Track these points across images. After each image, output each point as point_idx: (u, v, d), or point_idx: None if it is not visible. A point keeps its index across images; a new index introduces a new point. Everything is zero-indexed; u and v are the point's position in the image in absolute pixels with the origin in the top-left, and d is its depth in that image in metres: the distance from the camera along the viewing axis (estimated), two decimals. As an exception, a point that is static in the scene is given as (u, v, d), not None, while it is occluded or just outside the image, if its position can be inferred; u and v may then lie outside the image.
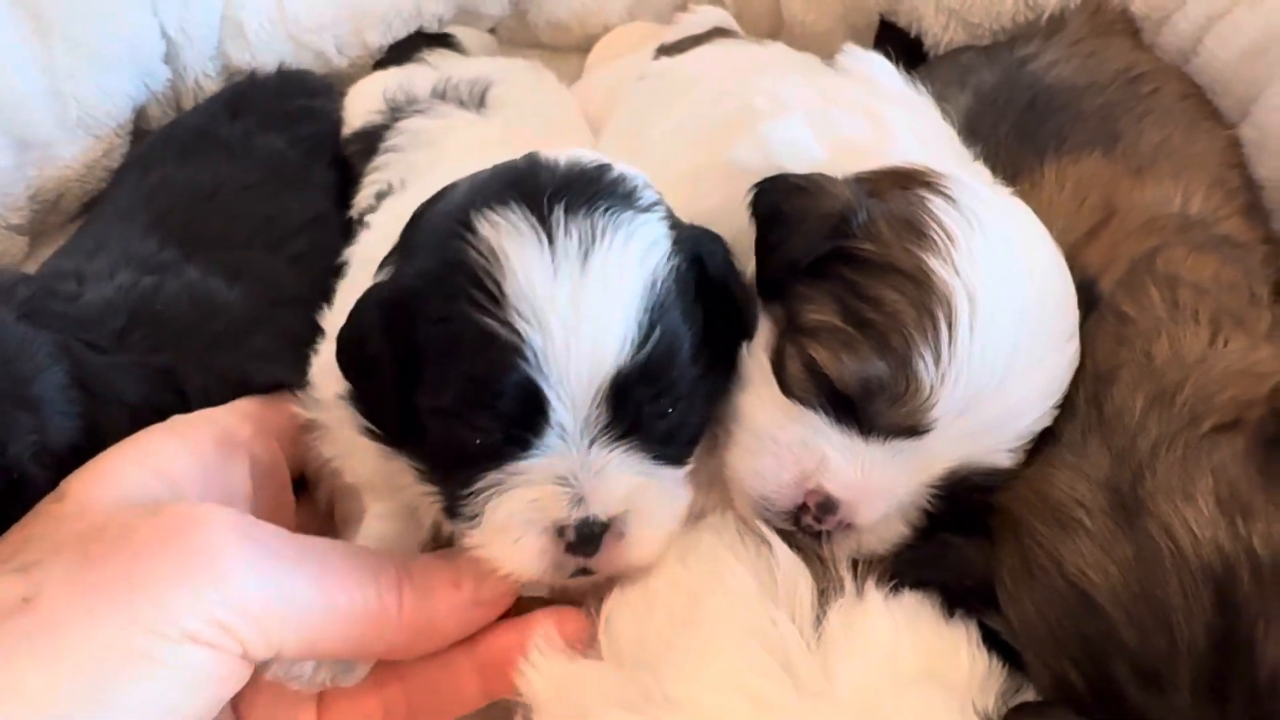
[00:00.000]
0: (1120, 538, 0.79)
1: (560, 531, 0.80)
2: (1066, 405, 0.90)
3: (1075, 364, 0.92)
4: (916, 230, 0.89)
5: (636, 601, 0.84)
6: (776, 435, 0.90)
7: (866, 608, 0.78)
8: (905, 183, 0.94)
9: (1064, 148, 1.11)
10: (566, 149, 0.89)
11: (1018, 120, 1.19)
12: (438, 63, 1.54)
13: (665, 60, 1.44)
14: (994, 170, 1.07)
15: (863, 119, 1.05)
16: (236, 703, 0.77)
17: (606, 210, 0.81)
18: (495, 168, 0.87)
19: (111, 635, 0.62)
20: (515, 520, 0.79)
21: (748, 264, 1.00)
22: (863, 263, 0.90)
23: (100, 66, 1.41)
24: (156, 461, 0.78)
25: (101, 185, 1.46)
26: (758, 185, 0.97)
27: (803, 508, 0.89)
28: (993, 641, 0.83)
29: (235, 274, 1.15)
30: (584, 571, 0.82)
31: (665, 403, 0.84)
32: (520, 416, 0.78)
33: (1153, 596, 0.76)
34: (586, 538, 0.80)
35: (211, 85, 1.55)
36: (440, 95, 1.40)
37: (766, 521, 0.91)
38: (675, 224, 0.88)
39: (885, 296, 0.88)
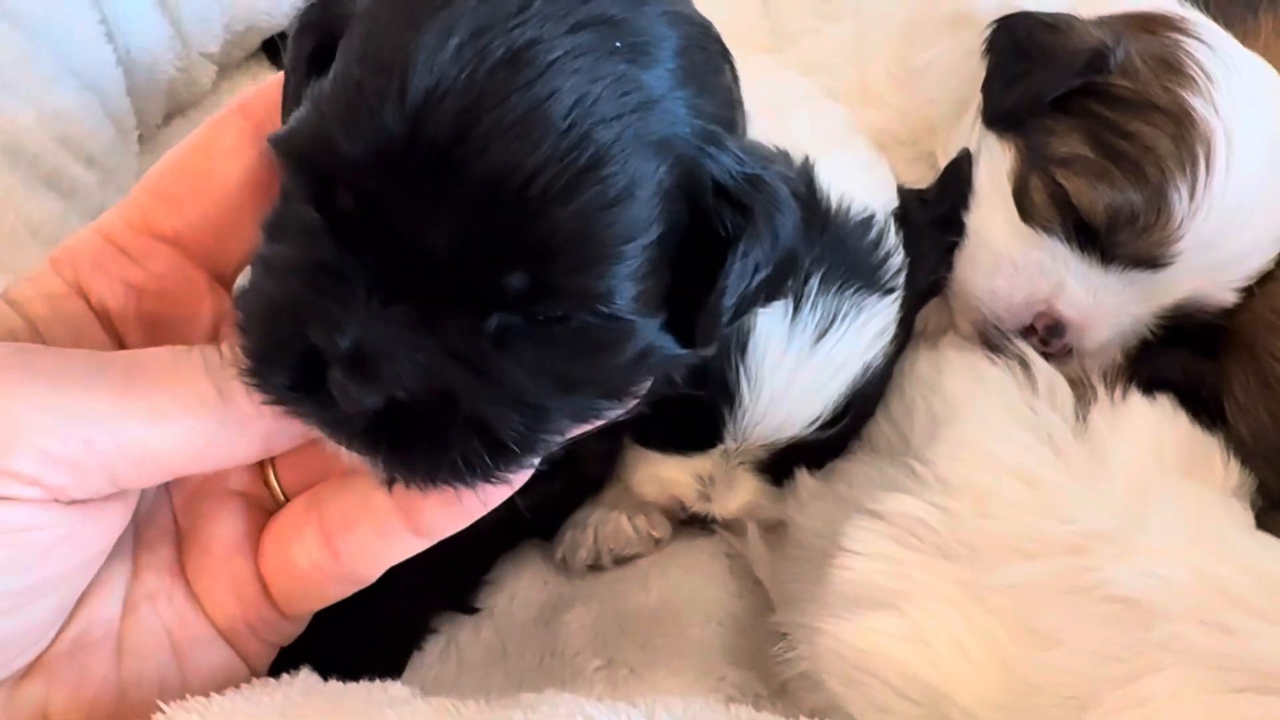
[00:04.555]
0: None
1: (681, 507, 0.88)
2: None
3: None
4: (1174, 69, 0.89)
5: (893, 405, 0.85)
6: (1015, 257, 0.91)
7: (1129, 406, 0.79)
8: (1152, 26, 0.94)
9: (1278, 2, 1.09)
10: (839, 169, 0.84)
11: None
12: None
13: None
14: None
15: (1094, -31, 1.04)
16: (180, 555, 0.64)
17: (855, 292, 0.81)
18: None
19: None
20: (646, 482, 0.89)
21: (968, 107, 1.00)
22: (1117, 99, 0.89)
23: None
24: None
25: (286, 20, 1.45)
26: (999, 21, 0.96)
27: (1029, 330, 0.91)
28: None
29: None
30: None
31: (827, 458, 0.87)
32: (698, 431, 0.83)
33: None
34: (702, 521, 0.88)
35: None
36: None
37: (987, 341, 0.92)
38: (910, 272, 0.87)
39: (1142, 131, 0.87)
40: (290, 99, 0.56)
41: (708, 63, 0.55)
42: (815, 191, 0.82)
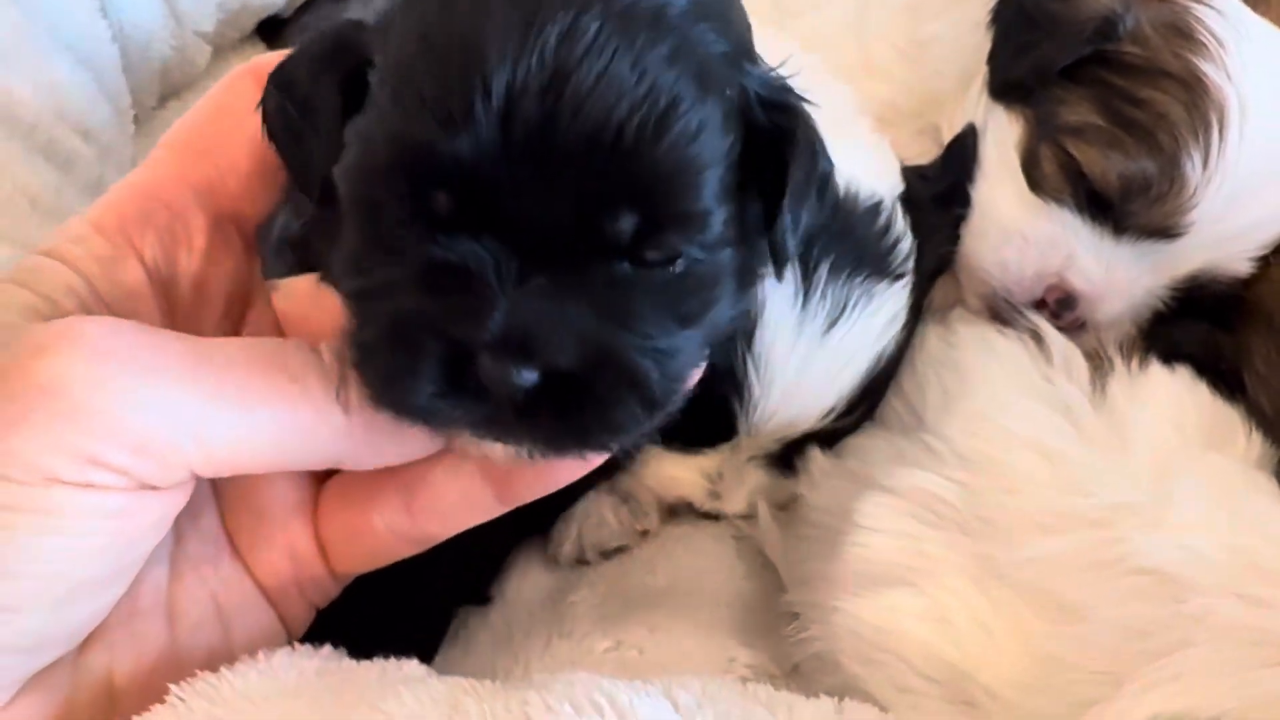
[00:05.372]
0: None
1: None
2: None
3: None
4: (1185, 35, 0.86)
5: (905, 381, 0.82)
6: (1025, 230, 0.88)
7: (1148, 376, 0.76)
8: (1160, -7, 0.91)
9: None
10: (845, 156, 0.77)
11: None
12: None
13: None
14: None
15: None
16: (224, 520, 0.64)
17: (863, 280, 0.78)
18: None
19: None
20: (653, 481, 0.87)
21: (974, 80, 0.97)
22: (1127, 67, 0.86)
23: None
24: (33, 277, 0.59)
25: (278, 1, 1.42)
26: None
27: (1040, 303, 0.88)
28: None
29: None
30: None
31: (838, 441, 0.84)
32: (710, 428, 0.80)
33: None
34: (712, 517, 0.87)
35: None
36: None
37: (996, 315, 0.89)
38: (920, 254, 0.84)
39: (1154, 98, 0.84)
40: (320, 135, 0.54)
41: None
42: None
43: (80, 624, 0.55)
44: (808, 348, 0.76)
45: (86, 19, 1.08)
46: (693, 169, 0.51)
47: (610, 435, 0.52)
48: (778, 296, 0.75)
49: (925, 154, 0.97)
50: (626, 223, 0.50)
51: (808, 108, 0.58)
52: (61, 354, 0.51)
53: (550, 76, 0.48)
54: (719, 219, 0.52)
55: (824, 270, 0.76)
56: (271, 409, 0.54)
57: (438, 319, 0.50)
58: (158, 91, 1.25)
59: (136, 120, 1.17)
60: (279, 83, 0.56)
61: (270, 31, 1.37)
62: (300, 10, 1.39)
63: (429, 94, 0.49)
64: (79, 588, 0.53)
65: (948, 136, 0.97)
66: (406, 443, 0.58)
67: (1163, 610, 0.61)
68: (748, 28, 0.59)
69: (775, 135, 0.56)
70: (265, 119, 0.58)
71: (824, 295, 0.76)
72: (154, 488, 0.53)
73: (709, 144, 0.51)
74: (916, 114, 1.01)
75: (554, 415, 0.50)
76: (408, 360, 0.50)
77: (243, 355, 0.55)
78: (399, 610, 0.70)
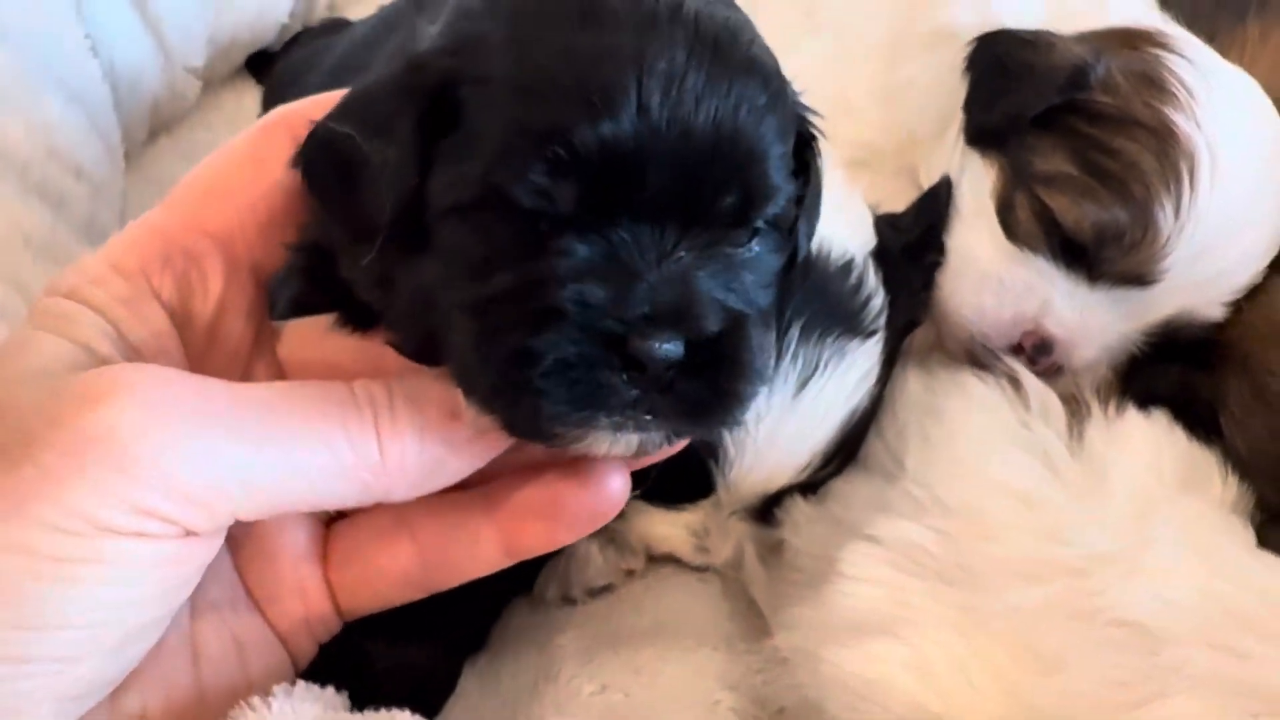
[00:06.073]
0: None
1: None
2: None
3: None
4: (1156, 85, 0.87)
5: (886, 426, 0.82)
6: (1001, 275, 0.89)
7: (1125, 421, 0.77)
8: (1133, 42, 0.92)
9: (1266, 9, 1.06)
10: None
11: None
12: None
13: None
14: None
15: (1076, -17, 1.01)
16: (236, 563, 0.64)
17: (835, 339, 0.79)
18: None
19: (7, 541, 0.49)
20: (643, 536, 0.88)
21: (951, 124, 0.98)
22: (1099, 116, 0.87)
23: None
24: (66, 325, 0.58)
25: (267, 36, 1.42)
26: (978, 39, 0.94)
27: (1017, 348, 0.88)
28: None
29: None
30: None
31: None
32: (688, 485, 0.82)
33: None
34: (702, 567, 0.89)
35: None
36: None
37: (974, 359, 0.89)
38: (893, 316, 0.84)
39: (1125, 148, 0.85)
40: (403, 154, 0.54)
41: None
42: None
43: (126, 668, 0.55)
44: (780, 408, 0.77)
45: (77, 58, 1.08)
46: (772, 152, 0.56)
47: (737, 402, 0.55)
48: None
49: (903, 194, 0.98)
50: (732, 200, 0.55)
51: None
52: (112, 406, 0.51)
53: (676, 77, 0.53)
54: (784, 194, 0.58)
55: (795, 331, 0.77)
56: (312, 452, 0.55)
57: (590, 303, 0.51)
58: (148, 126, 1.26)
59: (127, 156, 1.18)
60: (325, 130, 0.56)
61: (259, 66, 1.37)
62: (288, 45, 1.39)
63: (569, 88, 0.52)
64: (131, 634, 0.54)
65: (925, 178, 0.98)
66: (439, 474, 0.58)
67: (1140, 661, 0.61)
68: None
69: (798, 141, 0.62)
70: (307, 168, 0.58)
71: (795, 356, 0.77)
72: (198, 533, 0.54)
73: (780, 135, 0.57)
74: (895, 155, 1.02)
75: (693, 386, 0.52)
76: (568, 354, 0.51)
77: (283, 400, 0.56)
78: (408, 665, 0.73)
